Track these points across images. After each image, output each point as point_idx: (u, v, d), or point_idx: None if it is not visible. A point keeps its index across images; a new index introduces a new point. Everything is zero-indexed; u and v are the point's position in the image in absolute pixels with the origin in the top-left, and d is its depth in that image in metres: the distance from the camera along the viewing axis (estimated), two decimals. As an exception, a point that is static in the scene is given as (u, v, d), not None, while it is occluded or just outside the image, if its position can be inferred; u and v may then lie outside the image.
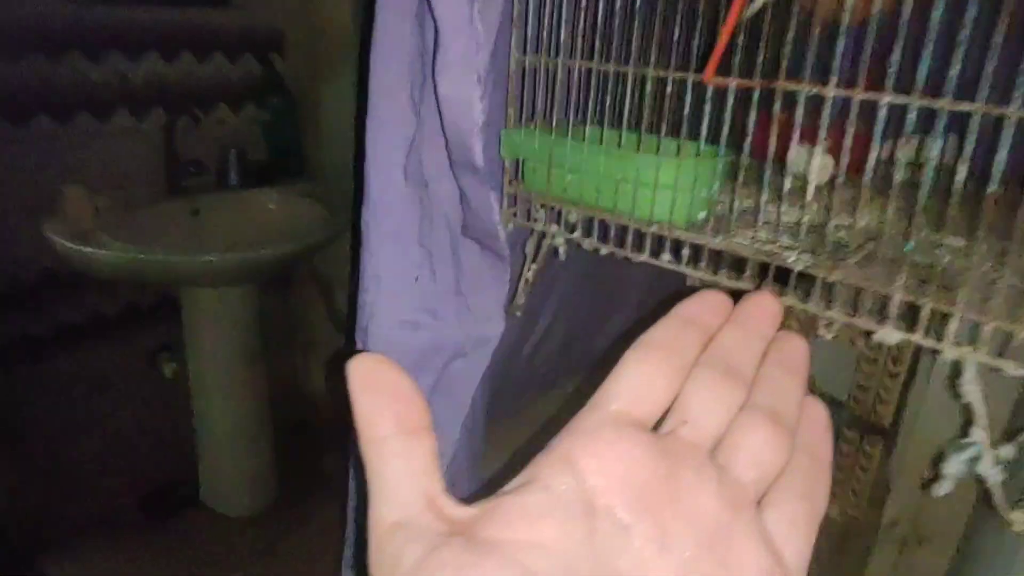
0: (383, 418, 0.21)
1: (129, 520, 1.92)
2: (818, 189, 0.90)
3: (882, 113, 0.53)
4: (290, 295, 2.24)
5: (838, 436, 1.20)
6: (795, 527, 0.22)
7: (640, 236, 0.66)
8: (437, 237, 0.73)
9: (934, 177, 0.57)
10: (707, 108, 0.60)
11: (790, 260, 0.59)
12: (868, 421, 1.15)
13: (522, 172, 0.74)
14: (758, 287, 0.63)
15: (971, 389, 0.51)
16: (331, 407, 2.29)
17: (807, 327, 1.17)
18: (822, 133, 0.58)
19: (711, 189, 0.67)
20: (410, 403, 0.22)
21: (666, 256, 0.66)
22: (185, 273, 1.66)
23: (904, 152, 0.62)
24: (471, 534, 0.19)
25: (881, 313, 0.55)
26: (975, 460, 0.52)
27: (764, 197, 0.66)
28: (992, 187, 0.49)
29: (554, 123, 0.68)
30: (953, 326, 0.51)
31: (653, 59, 0.63)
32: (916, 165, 1.02)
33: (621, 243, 0.68)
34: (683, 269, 0.66)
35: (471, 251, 0.74)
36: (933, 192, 0.67)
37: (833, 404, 1.37)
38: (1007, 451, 0.51)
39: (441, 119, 0.61)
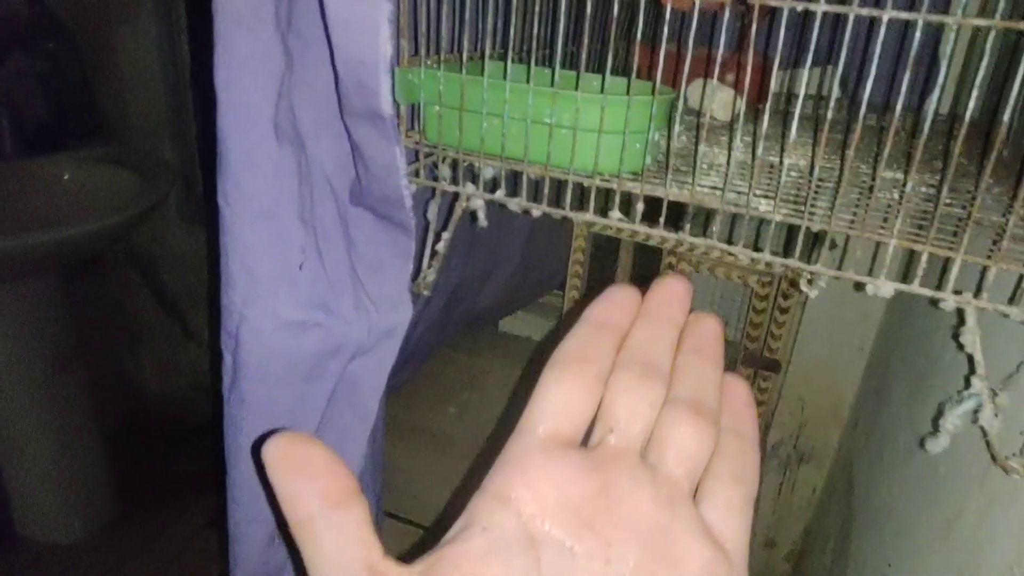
0: (307, 497, 0.20)
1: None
2: (726, 125, 0.84)
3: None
4: (105, 281, 1.90)
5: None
6: (731, 511, 0.23)
7: (582, 192, 0.55)
8: (321, 211, 0.57)
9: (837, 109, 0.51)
10: (664, 33, 0.49)
11: (764, 209, 0.51)
12: (761, 356, 1.15)
13: (422, 121, 0.59)
14: (725, 241, 0.54)
15: (971, 339, 0.47)
16: (169, 404, 2.01)
17: (696, 264, 1.14)
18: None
19: (661, 133, 0.57)
20: (332, 475, 0.21)
21: (615, 214, 0.55)
22: (-46, 270, 1.33)
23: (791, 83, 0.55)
24: None
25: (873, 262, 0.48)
26: (975, 412, 0.48)
27: (702, 139, 0.57)
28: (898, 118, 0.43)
29: (463, 58, 0.54)
30: (954, 273, 0.45)
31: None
32: (819, 97, 1.00)
33: (557, 201, 0.57)
34: (637, 227, 0.55)
35: (365, 225, 0.59)
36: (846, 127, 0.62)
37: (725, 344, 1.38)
38: (1005, 400, 0.47)
39: (332, 51, 0.45)
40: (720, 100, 0.86)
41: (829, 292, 1.30)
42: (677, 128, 0.58)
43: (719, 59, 0.55)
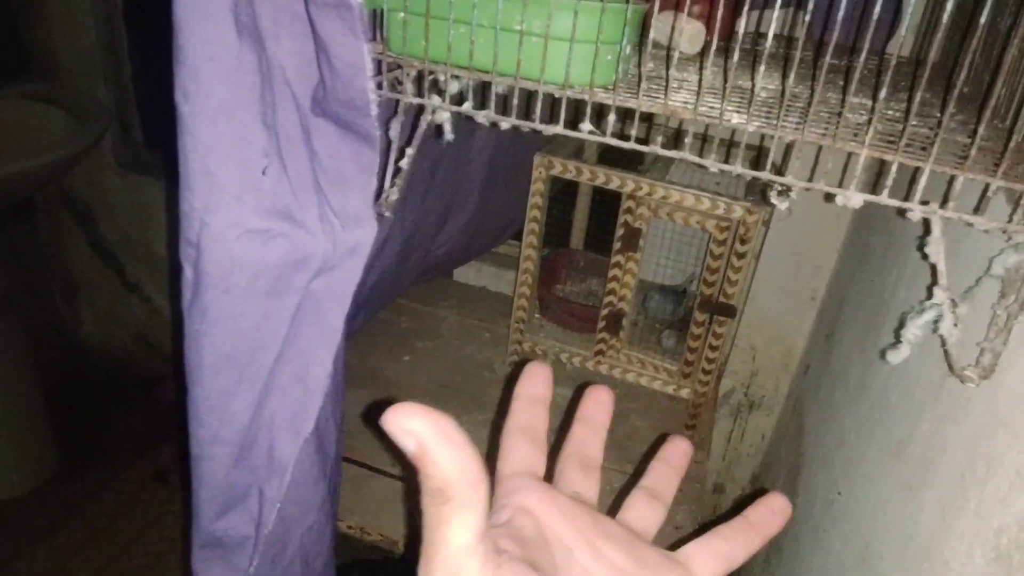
0: (472, 466, 0.23)
1: None
2: (691, 59, 0.84)
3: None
4: (39, 228, 1.81)
5: (687, 319, 1.23)
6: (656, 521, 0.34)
7: (553, 103, 0.54)
8: (283, 117, 0.55)
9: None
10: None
11: (737, 120, 0.51)
12: (717, 301, 1.17)
13: (385, 29, 0.57)
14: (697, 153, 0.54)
15: (936, 249, 0.48)
16: (111, 357, 1.94)
17: (655, 209, 1.14)
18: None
19: (634, 43, 0.56)
20: (474, 451, 0.23)
21: (586, 126, 0.55)
22: None
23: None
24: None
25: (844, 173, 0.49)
26: (936, 322, 0.50)
27: (674, 58, 0.57)
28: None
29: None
30: (922, 182, 0.47)
31: None
32: (788, 38, 1.01)
33: (526, 114, 0.56)
34: (608, 140, 0.55)
35: (328, 136, 0.57)
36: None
37: (678, 293, 1.40)
38: (964, 310, 0.49)
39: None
40: (688, 33, 0.86)
41: (782, 244, 1.33)
42: (644, 58, 0.58)
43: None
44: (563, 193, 1.51)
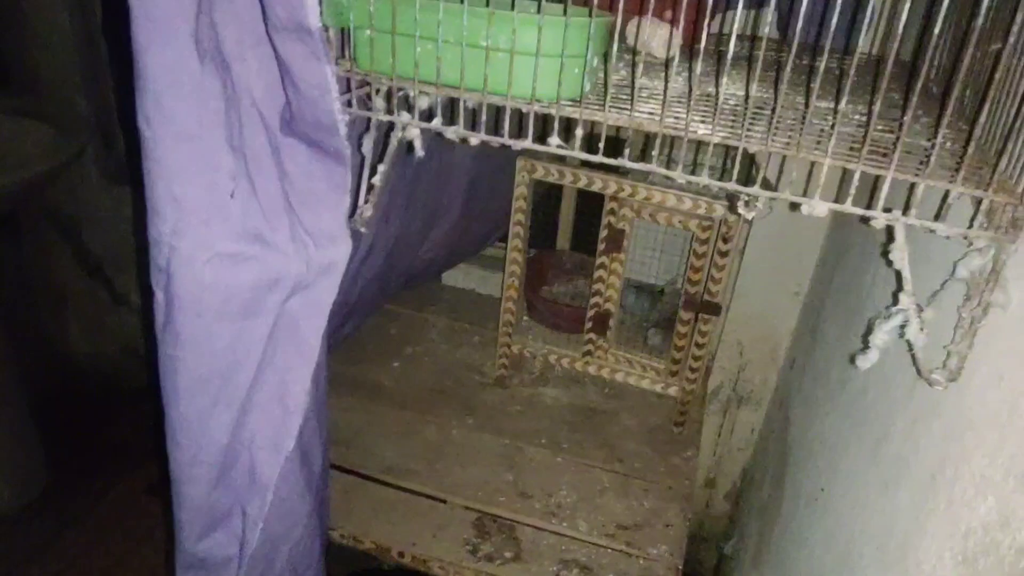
0: None
1: None
2: (661, 63, 0.84)
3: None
4: (23, 242, 1.80)
5: (672, 319, 1.23)
6: None
7: (520, 118, 0.55)
8: (250, 138, 0.55)
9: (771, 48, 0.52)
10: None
11: (703, 131, 0.51)
12: (702, 300, 1.18)
13: (353, 47, 0.57)
14: (667, 165, 0.54)
15: (900, 255, 0.49)
16: (100, 369, 1.94)
17: (637, 209, 1.15)
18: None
19: (599, 58, 0.56)
20: None
21: (554, 140, 0.55)
22: None
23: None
24: None
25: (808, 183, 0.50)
26: (902, 327, 0.50)
27: (639, 67, 0.57)
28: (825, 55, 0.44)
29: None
30: (884, 189, 0.47)
31: None
32: (752, 38, 1.01)
33: (495, 129, 0.56)
34: (576, 154, 0.55)
35: (297, 155, 0.57)
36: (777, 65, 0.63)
37: (654, 293, 1.41)
38: (930, 315, 0.50)
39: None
40: (659, 37, 0.86)
41: (765, 240, 1.33)
42: (615, 63, 0.58)
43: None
44: (549, 195, 1.52)
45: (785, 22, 0.95)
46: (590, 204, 1.44)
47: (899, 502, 0.58)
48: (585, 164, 1.19)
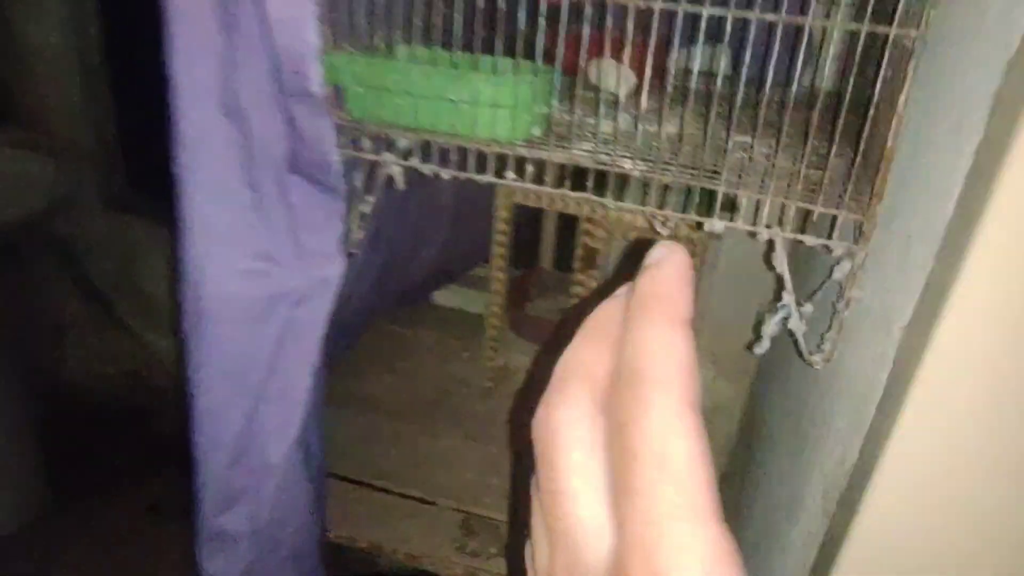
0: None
1: None
2: (624, 99, 1.01)
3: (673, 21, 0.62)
4: (25, 269, 1.96)
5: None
6: None
7: (481, 157, 0.71)
8: (262, 175, 0.71)
9: (726, 85, 0.68)
10: (541, 24, 0.65)
11: (627, 166, 0.68)
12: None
13: (345, 99, 0.74)
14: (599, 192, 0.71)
15: (780, 262, 0.65)
16: (100, 393, 2.09)
17: (610, 230, 1.31)
18: (627, 47, 0.67)
19: (546, 106, 0.73)
20: None
21: (510, 174, 0.71)
22: None
23: (689, 61, 0.72)
24: None
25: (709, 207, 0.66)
26: (786, 319, 0.66)
27: (580, 112, 0.74)
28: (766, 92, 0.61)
29: (378, 44, 0.69)
30: (765, 211, 0.63)
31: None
32: (709, 74, 1.18)
33: (462, 165, 0.72)
34: (528, 186, 0.72)
35: (300, 188, 0.74)
36: (723, 98, 0.79)
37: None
38: (808, 309, 0.66)
39: (270, 43, 0.59)
40: (615, 76, 1.03)
41: (737, 256, 1.49)
42: (578, 102, 0.75)
43: (608, 39, 0.71)
44: (533, 215, 1.68)
45: (734, 60, 1.12)
46: (571, 225, 1.61)
47: (802, 458, 0.74)
48: (599, 202, 1.36)
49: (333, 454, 1.27)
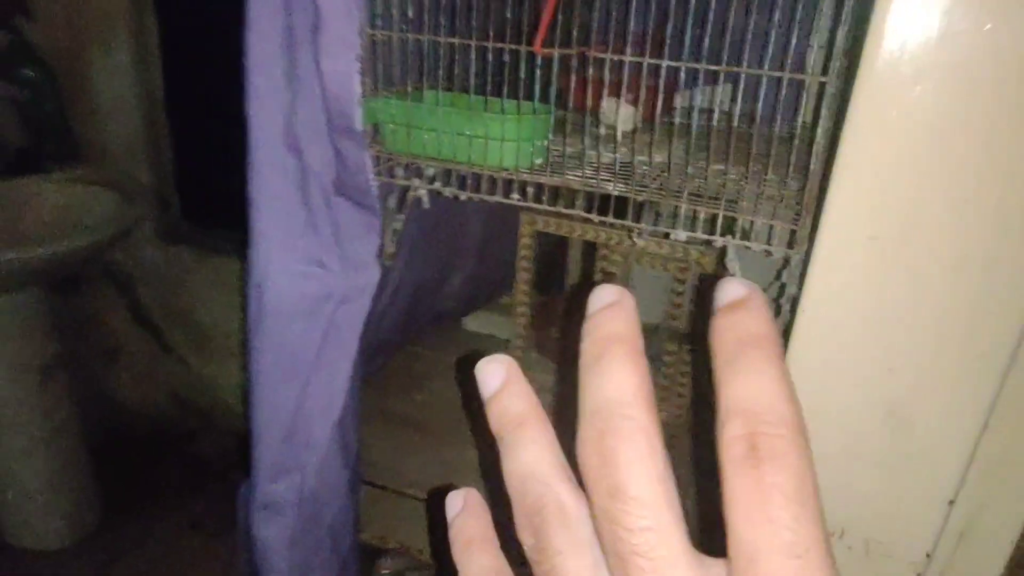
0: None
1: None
2: (626, 134, 1.22)
3: (664, 71, 0.83)
4: (85, 297, 2.24)
5: (661, 353, 1.57)
6: None
7: (492, 181, 0.92)
8: (313, 196, 0.94)
9: (721, 120, 0.89)
10: (537, 73, 0.87)
11: (609, 187, 0.88)
12: (685, 333, 1.52)
13: (381, 135, 0.97)
14: (589, 210, 0.91)
15: (732, 265, 0.84)
16: (148, 415, 2.34)
17: (625, 256, 1.51)
18: (623, 88, 0.88)
19: (545, 139, 0.94)
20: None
21: (515, 195, 0.92)
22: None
23: (692, 99, 0.93)
24: None
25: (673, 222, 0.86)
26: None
27: (586, 143, 0.95)
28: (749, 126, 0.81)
29: (410, 89, 0.92)
30: (719, 223, 0.82)
31: (491, 33, 0.88)
32: (707, 111, 1.39)
33: (477, 188, 0.94)
34: (530, 204, 0.93)
35: (344, 208, 0.96)
36: (715, 132, 0.99)
37: (648, 330, 1.75)
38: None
39: (323, 91, 0.82)
40: (623, 115, 1.24)
41: (744, 273, 1.67)
42: (585, 136, 0.96)
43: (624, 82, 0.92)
44: (560, 242, 1.89)
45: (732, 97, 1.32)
46: (593, 251, 1.81)
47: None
48: (587, 219, 1.56)
49: (367, 464, 1.47)
